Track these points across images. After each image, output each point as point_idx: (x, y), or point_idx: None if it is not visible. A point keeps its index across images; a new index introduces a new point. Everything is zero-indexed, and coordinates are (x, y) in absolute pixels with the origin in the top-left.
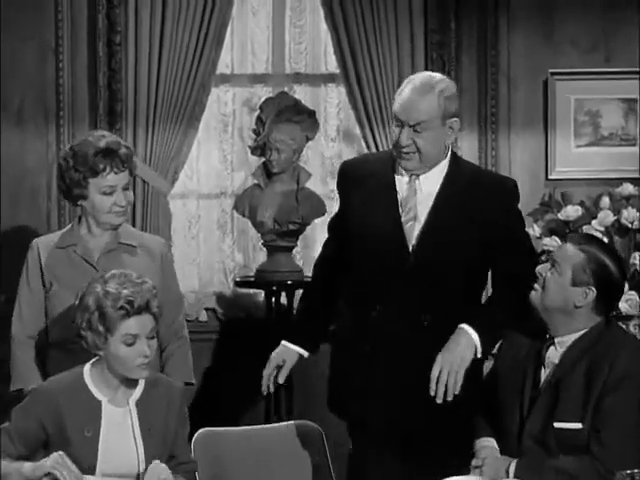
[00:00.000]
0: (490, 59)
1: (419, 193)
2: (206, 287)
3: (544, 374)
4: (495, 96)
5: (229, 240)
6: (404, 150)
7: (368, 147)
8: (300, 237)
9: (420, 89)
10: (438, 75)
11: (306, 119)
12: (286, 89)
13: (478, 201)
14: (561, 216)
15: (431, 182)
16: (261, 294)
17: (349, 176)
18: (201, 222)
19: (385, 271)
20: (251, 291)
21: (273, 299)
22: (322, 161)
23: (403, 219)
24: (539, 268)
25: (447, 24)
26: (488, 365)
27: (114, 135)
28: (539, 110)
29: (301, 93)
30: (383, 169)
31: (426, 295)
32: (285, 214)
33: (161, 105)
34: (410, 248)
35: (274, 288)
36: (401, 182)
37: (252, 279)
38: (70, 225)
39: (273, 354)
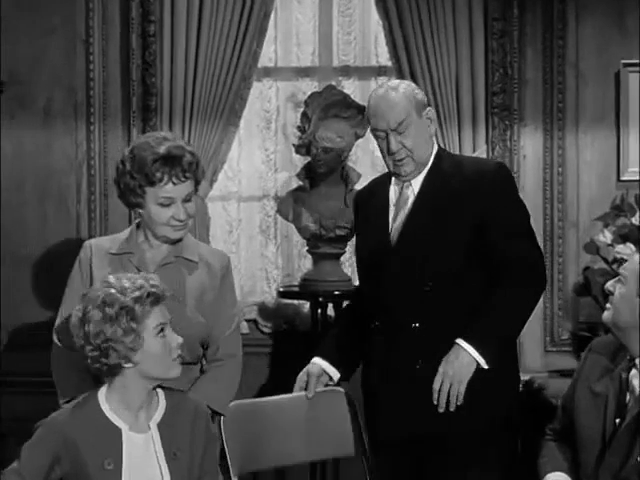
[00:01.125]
0: (556, 50)
1: (411, 197)
2: (247, 297)
3: (628, 400)
4: (562, 90)
5: (272, 246)
6: (397, 157)
7: None
8: (348, 243)
9: (384, 94)
10: (393, 81)
11: (355, 115)
12: (333, 83)
13: (459, 191)
14: (635, 221)
15: (420, 180)
16: (306, 305)
17: (358, 204)
18: (242, 227)
19: (376, 283)
20: (295, 302)
21: (319, 310)
22: (372, 160)
23: (391, 227)
24: (608, 284)
25: (509, 11)
26: None
27: (179, 138)
28: (610, 105)
29: (350, 87)
30: (382, 187)
31: (414, 300)
32: (332, 218)
33: (199, 101)
34: (392, 255)
35: (320, 299)
36: (395, 194)
37: (296, 289)
38: (128, 230)
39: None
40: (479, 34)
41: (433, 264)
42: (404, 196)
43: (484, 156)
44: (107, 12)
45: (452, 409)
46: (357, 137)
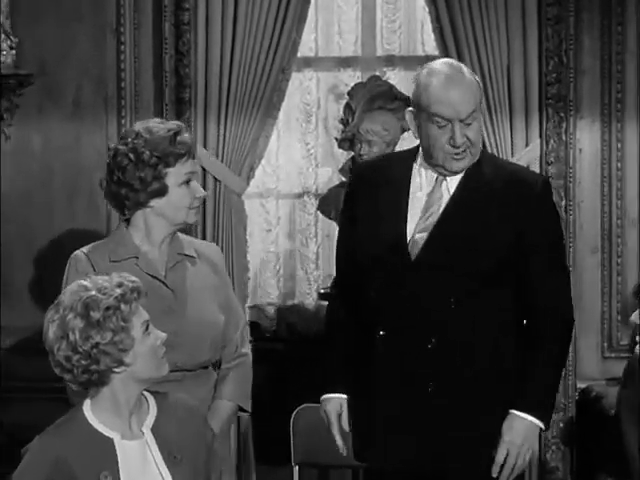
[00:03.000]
0: (615, 36)
1: (445, 196)
2: (287, 299)
3: None
4: (621, 80)
5: (312, 246)
6: (459, 150)
7: None
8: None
9: (455, 76)
10: (453, 60)
11: (402, 107)
12: (377, 73)
13: (500, 200)
14: None
15: (456, 182)
16: None
17: (362, 181)
18: (281, 225)
19: (386, 288)
20: None
21: None
22: None
23: (418, 227)
24: None
25: None
26: None
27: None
28: None
29: (395, 78)
30: (399, 170)
31: (435, 315)
32: None
33: (235, 92)
34: (416, 260)
35: None
36: (423, 187)
37: None
38: (117, 234)
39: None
40: (532, 20)
41: (462, 277)
42: (437, 193)
43: (537, 150)
44: (138, 0)
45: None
46: (403, 130)
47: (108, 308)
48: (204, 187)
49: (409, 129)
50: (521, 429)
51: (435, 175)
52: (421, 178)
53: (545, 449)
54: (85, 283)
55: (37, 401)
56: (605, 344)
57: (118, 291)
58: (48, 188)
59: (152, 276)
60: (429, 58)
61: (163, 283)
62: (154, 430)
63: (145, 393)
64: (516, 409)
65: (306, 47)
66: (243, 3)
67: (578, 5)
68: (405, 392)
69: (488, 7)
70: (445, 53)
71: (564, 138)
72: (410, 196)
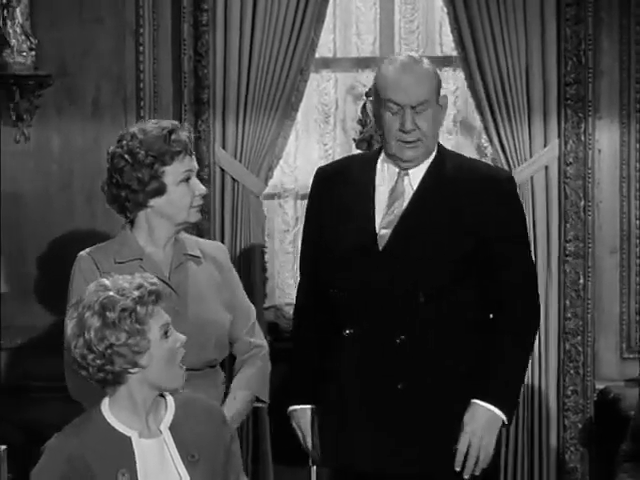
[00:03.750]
0: (634, 36)
1: (408, 191)
2: None
3: None
4: None
5: None
6: (408, 138)
7: (490, 140)
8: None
9: (410, 64)
10: (417, 54)
11: None
12: None
13: (465, 194)
14: None
15: (418, 177)
16: None
17: (323, 184)
18: (299, 226)
19: (354, 285)
20: None
21: None
22: None
23: (383, 222)
24: None
25: None
26: None
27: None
28: None
29: None
30: (361, 169)
31: (404, 311)
32: None
33: (253, 93)
34: (383, 256)
35: None
36: (385, 181)
37: None
38: (121, 236)
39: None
40: (551, 20)
41: (430, 272)
42: (399, 188)
43: (556, 151)
44: (157, 1)
45: (478, 473)
46: None
47: (124, 310)
48: (222, 187)
49: None
50: (483, 419)
51: (397, 170)
52: (383, 173)
53: (564, 450)
54: (106, 282)
55: (54, 400)
56: (624, 345)
57: (136, 293)
58: (67, 189)
59: (157, 278)
60: (447, 59)
61: (167, 284)
62: (172, 429)
63: (164, 393)
64: (478, 399)
65: (324, 48)
66: (262, 4)
67: (597, 5)
68: (374, 391)
69: (506, 7)
70: (463, 53)
71: (583, 139)
72: (376, 193)
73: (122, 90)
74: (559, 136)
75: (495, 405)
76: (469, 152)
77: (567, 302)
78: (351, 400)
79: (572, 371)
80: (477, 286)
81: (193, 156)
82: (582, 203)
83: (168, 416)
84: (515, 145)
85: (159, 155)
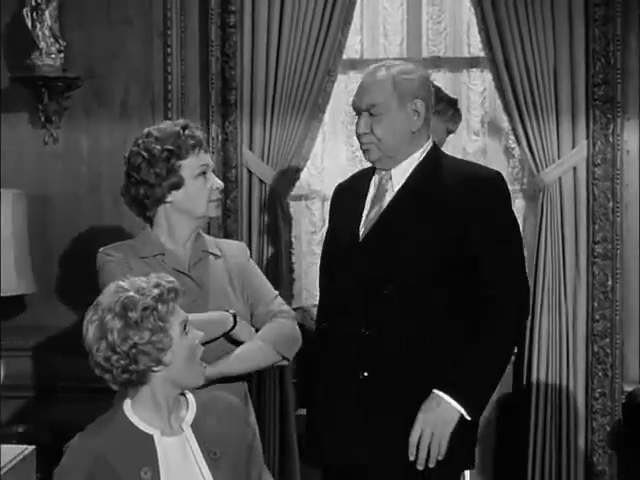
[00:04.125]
0: None
1: (390, 191)
2: None
3: None
4: None
5: None
6: (363, 140)
7: (518, 141)
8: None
9: (373, 71)
10: (398, 61)
11: (447, 109)
12: None
13: (445, 196)
14: None
15: (402, 177)
16: None
17: (336, 197)
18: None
19: (332, 278)
20: None
21: None
22: (464, 157)
23: (366, 220)
24: None
25: None
26: None
27: None
28: None
29: (440, 80)
30: (363, 179)
31: (369, 303)
32: None
33: (280, 94)
34: (358, 250)
35: None
36: (375, 183)
37: None
38: (142, 235)
39: None
40: (579, 21)
41: (398, 267)
42: (382, 189)
43: (584, 152)
44: (185, 2)
45: (432, 465)
46: (448, 133)
47: (146, 308)
48: (250, 189)
49: (454, 132)
50: (438, 409)
51: (383, 171)
52: (374, 181)
53: (592, 453)
54: (123, 284)
55: (82, 400)
56: None
57: (155, 291)
58: (95, 190)
59: (178, 271)
60: (475, 60)
61: (189, 277)
62: (194, 427)
63: (185, 392)
64: (438, 388)
65: (351, 49)
66: (289, 5)
67: (625, 5)
68: (339, 383)
69: (534, 8)
70: (491, 55)
71: (611, 140)
72: (368, 195)
73: (150, 92)
74: (587, 137)
75: (452, 396)
76: (497, 153)
77: (595, 304)
78: (323, 395)
79: (600, 373)
80: (452, 288)
81: (208, 153)
82: (610, 204)
83: (190, 414)
84: (543, 146)
85: (175, 149)
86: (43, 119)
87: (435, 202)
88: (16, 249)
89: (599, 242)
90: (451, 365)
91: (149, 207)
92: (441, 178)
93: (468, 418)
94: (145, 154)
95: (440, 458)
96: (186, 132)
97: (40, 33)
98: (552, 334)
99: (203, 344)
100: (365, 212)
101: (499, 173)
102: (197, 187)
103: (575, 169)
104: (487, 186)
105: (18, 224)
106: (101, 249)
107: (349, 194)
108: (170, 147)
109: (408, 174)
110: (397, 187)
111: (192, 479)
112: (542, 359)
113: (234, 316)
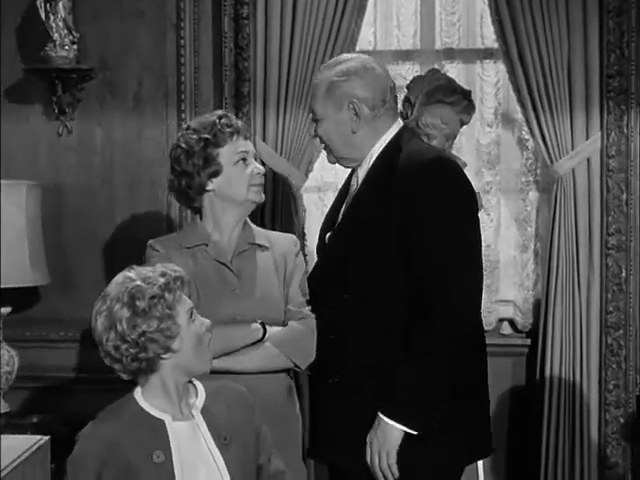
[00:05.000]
0: None
1: (353, 188)
2: None
3: None
4: None
5: None
6: (321, 143)
7: (531, 133)
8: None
9: (319, 71)
10: (344, 56)
11: (460, 100)
12: (436, 66)
13: (394, 189)
14: None
15: (363, 173)
16: None
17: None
18: None
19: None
20: None
21: None
22: (477, 149)
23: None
24: None
25: None
26: None
27: None
28: None
29: (454, 71)
30: (349, 176)
31: (333, 308)
32: None
33: (294, 86)
34: (324, 254)
35: None
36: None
37: None
38: (187, 227)
39: None
40: (593, 12)
41: (355, 270)
42: (351, 188)
43: (598, 144)
44: None
45: None
46: (462, 124)
47: (153, 297)
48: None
49: (467, 123)
50: (378, 430)
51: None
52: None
53: (605, 445)
54: (130, 274)
55: (96, 392)
56: None
57: (162, 280)
58: (109, 182)
59: (219, 262)
60: (488, 51)
61: (229, 268)
62: (204, 412)
63: (194, 381)
64: (380, 411)
65: (365, 40)
66: None
67: None
68: (314, 385)
69: None
70: (505, 46)
71: (625, 131)
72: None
73: (163, 83)
74: (601, 129)
75: (388, 416)
76: (510, 145)
77: (609, 296)
78: (309, 396)
79: (614, 365)
80: (404, 289)
81: (249, 140)
82: (624, 196)
83: (199, 401)
84: (557, 138)
85: (211, 137)
86: (57, 111)
87: (386, 198)
88: (30, 240)
89: (613, 234)
90: (389, 380)
91: (193, 197)
92: (393, 170)
93: (414, 433)
94: (184, 145)
95: (395, 476)
96: (222, 120)
97: (54, 25)
98: (565, 326)
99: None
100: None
101: (442, 156)
102: (236, 173)
103: (589, 160)
104: (424, 170)
105: (32, 215)
106: (150, 241)
107: (337, 193)
108: (206, 136)
109: (366, 170)
110: (357, 185)
111: (203, 462)
112: (555, 351)
113: (263, 325)
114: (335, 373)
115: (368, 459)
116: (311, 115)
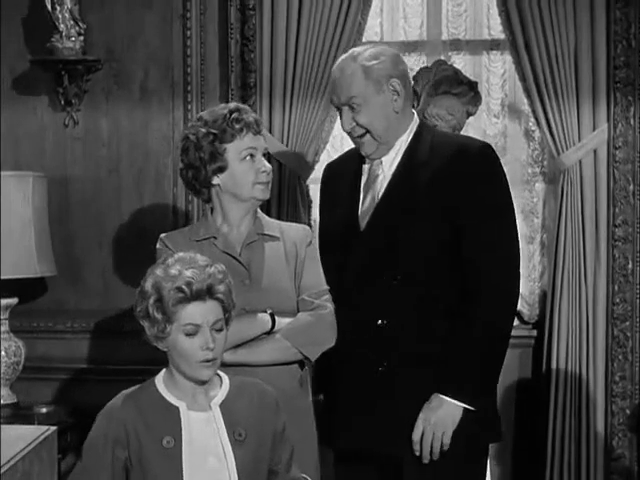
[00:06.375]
0: None
1: (381, 177)
2: None
3: None
4: None
5: None
6: (353, 134)
7: (538, 124)
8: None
9: (341, 63)
10: (358, 47)
11: (467, 91)
12: (443, 58)
13: (436, 174)
14: None
15: (393, 162)
16: None
17: (326, 178)
18: None
19: (339, 272)
20: None
21: None
22: (484, 139)
23: (362, 209)
24: None
25: None
26: None
27: None
28: None
29: (460, 62)
30: (353, 161)
31: (381, 294)
32: None
33: (300, 77)
34: (360, 242)
35: None
36: (366, 169)
37: None
38: (200, 220)
39: None
40: (600, 3)
41: (403, 255)
42: (373, 175)
43: (605, 135)
44: None
45: (435, 458)
46: (468, 115)
47: (157, 290)
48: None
49: (474, 114)
50: (437, 408)
51: (371, 162)
52: (366, 166)
53: (611, 436)
54: (169, 261)
55: (104, 383)
56: None
57: (176, 283)
58: (116, 172)
59: (227, 254)
60: (495, 42)
61: (237, 260)
62: (222, 407)
63: (220, 372)
64: (437, 391)
65: (371, 31)
66: None
67: None
68: (355, 373)
69: None
70: (511, 37)
71: (632, 122)
72: (361, 182)
73: (169, 74)
74: (608, 120)
75: (450, 396)
76: (517, 136)
77: (616, 287)
78: (337, 382)
79: (620, 357)
80: (455, 272)
81: (260, 135)
82: (631, 187)
83: (220, 395)
84: (563, 129)
85: (219, 132)
86: (63, 102)
87: (430, 185)
88: (37, 232)
89: (619, 225)
90: (448, 364)
91: (199, 190)
92: (431, 156)
93: (472, 409)
94: (192, 137)
95: (445, 448)
96: (233, 115)
97: (60, 16)
98: (572, 317)
99: (243, 344)
100: (360, 201)
101: (489, 145)
102: (242, 170)
103: (595, 152)
104: (474, 158)
105: (38, 207)
106: (162, 235)
107: (341, 179)
108: (214, 131)
109: (399, 158)
110: (389, 172)
111: (213, 454)
112: (562, 342)
113: (272, 316)
114: (383, 361)
115: (417, 437)
116: (346, 104)
